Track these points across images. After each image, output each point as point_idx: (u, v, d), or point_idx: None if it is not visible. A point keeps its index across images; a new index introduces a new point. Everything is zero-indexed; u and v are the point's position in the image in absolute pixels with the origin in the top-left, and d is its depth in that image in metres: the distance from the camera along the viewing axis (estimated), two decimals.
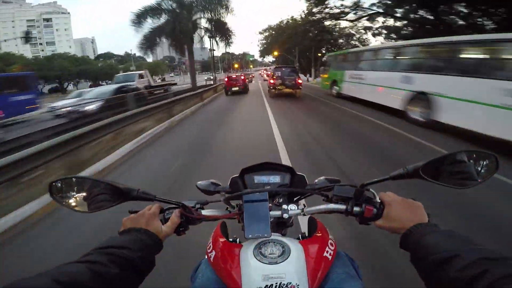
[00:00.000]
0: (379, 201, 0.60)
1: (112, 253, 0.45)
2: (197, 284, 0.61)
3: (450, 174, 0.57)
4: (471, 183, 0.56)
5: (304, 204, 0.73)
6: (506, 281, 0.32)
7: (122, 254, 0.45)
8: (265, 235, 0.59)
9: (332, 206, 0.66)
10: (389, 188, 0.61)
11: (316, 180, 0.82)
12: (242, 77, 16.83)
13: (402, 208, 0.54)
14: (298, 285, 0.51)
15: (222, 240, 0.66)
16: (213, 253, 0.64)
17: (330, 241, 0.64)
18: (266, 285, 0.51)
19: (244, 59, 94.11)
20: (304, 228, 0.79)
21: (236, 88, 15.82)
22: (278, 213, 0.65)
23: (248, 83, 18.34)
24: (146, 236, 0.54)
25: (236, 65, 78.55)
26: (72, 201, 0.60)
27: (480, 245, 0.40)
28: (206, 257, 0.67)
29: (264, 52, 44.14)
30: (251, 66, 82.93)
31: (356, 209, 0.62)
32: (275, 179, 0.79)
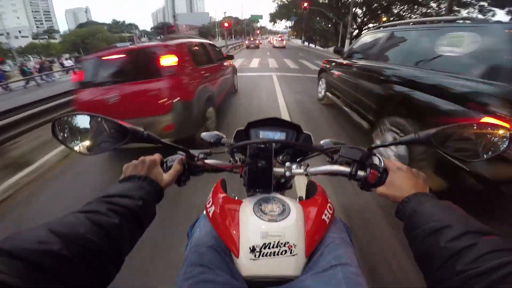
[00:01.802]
0: (384, 167, 0.58)
1: (112, 202, 0.44)
2: (194, 239, 0.60)
3: (459, 144, 0.54)
4: (478, 157, 0.53)
5: (307, 164, 0.69)
6: (492, 256, 0.32)
7: (123, 203, 0.44)
8: (267, 191, 0.63)
9: (336, 167, 0.63)
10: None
11: (322, 142, 0.77)
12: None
13: (405, 177, 0.53)
14: (296, 245, 0.52)
15: (222, 195, 0.66)
16: (212, 208, 0.63)
17: (328, 204, 0.65)
18: (264, 243, 0.51)
19: (251, 26, 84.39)
20: (301, 192, 0.84)
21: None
22: (281, 170, 0.65)
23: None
24: (147, 184, 0.52)
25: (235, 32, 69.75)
26: (74, 141, 0.53)
27: (473, 219, 0.41)
28: (204, 212, 0.67)
29: (276, 16, 36.11)
30: (258, 32, 73.55)
31: (360, 173, 0.60)
32: (281, 135, 0.79)
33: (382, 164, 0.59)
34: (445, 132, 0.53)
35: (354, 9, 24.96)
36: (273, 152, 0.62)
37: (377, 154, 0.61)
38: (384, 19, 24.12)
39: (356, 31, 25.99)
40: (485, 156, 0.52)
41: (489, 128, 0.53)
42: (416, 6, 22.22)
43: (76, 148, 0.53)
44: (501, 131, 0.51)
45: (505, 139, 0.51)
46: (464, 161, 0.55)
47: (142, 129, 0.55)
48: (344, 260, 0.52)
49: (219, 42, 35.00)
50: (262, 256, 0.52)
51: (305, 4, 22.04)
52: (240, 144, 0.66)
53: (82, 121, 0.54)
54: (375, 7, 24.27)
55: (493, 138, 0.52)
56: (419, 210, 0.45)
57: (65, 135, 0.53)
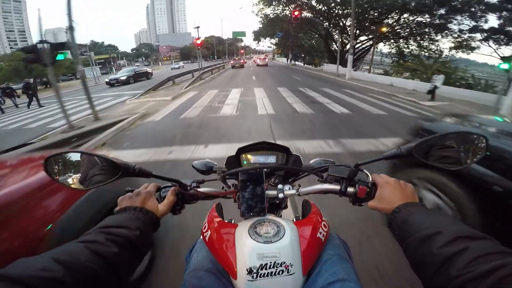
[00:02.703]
0: (372, 181, 0.61)
1: (110, 232, 0.45)
2: (192, 263, 0.61)
3: (440, 155, 0.57)
4: (459, 165, 0.56)
5: (299, 185, 0.71)
6: (483, 259, 0.33)
7: (120, 233, 0.45)
8: (261, 214, 0.62)
9: (326, 186, 0.65)
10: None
11: (312, 161, 0.80)
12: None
13: (394, 189, 0.55)
14: (292, 264, 0.53)
15: (217, 220, 0.67)
16: (208, 232, 0.64)
17: (323, 222, 0.66)
18: (261, 264, 0.52)
19: (234, 46, 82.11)
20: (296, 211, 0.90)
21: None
22: (273, 192, 0.66)
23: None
24: (143, 214, 0.53)
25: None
26: (67, 177, 0.57)
27: (463, 224, 0.42)
28: (201, 237, 0.68)
29: (260, 34, 32.85)
30: (242, 52, 71.46)
31: (349, 189, 0.62)
32: (271, 159, 0.80)
33: (370, 179, 0.61)
34: (425, 144, 0.56)
35: (344, 20, 22.10)
36: (265, 176, 0.65)
37: (364, 170, 0.63)
38: (384, 29, 20.49)
39: (349, 44, 22.45)
40: (468, 162, 0.55)
41: (464, 136, 0.57)
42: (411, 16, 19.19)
43: (69, 183, 0.56)
44: (476, 137, 0.55)
45: (482, 143, 0.54)
46: (448, 169, 0.54)
47: (133, 164, 0.57)
48: (342, 276, 0.53)
49: (203, 63, 30.68)
50: (260, 276, 0.52)
51: (296, 13, 17.86)
52: (231, 172, 0.68)
53: (74, 157, 0.57)
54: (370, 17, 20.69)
55: (471, 143, 0.55)
56: (410, 219, 0.46)
57: (58, 171, 0.55)
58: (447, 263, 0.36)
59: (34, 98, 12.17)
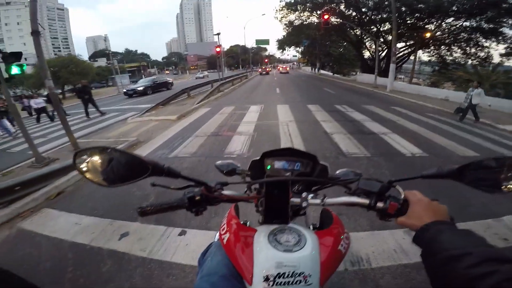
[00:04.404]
0: (404, 198, 0.57)
1: None
2: (205, 267, 0.62)
3: (481, 179, 0.54)
4: (499, 191, 0.54)
5: (324, 195, 0.67)
6: (510, 284, 0.33)
7: None
8: (284, 222, 0.62)
9: (354, 199, 0.62)
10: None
11: (338, 171, 0.77)
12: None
13: (427, 208, 0.53)
14: (310, 275, 0.51)
15: (236, 222, 0.67)
16: (227, 235, 0.63)
17: (345, 235, 0.65)
18: (279, 273, 0.50)
19: (259, 55, 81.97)
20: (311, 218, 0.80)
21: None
22: (297, 200, 0.64)
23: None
24: None
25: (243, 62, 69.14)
26: (95, 173, 0.56)
27: (494, 247, 0.40)
28: (216, 238, 0.71)
29: (285, 43, 31.42)
30: (267, 61, 70.85)
31: (379, 204, 0.59)
32: (297, 166, 0.77)
33: (402, 196, 0.58)
34: (468, 167, 0.54)
35: (379, 26, 20.00)
36: (290, 186, 0.62)
37: (397, 186, 0.60)
38: (427, 34, 17.69)
39: (385, 51, 20.79)
40: (505, 188, 0.53)
41: (507, 162, 0.53)
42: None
43: (96, 180, 0.56)
44: None
45: None
46: (491, 193, 0.52)
47: (163, 164, 0.57)
48: None
49: (225, 72, 32.01)
50: (276, 285, 0.50)
51: (326, 16, 15.77)
52: (258, 182, 0.69)
53: (102, 154, 0.56)
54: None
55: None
56: (439, 237, 0.45)
57: (86, 167, 0.56)
58: (471, 284, 0.35)
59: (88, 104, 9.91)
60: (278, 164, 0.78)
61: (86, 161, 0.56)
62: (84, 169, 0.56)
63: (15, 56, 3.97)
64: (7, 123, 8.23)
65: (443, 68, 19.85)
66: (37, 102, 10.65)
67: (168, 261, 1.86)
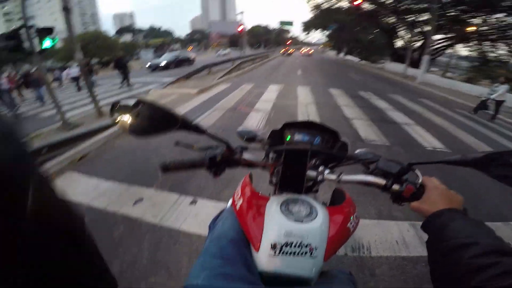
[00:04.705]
0: (421, 183, 0.56)
1: None
2: (216, 231, 0.62)
3: (506, 170, 0.50)
4: None
5: (340, 172, 0.66)
6: (510, 276, 0.32)
7: None
8: (298, 192, 0.63)
9: (371, 178, 0.61)
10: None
11: (357, 151, 0.74)
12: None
13: (442, 195, 0.52)
14: (317, 248, 0.52)
15: (250, 189, 0.67)
16: (241, 200, 0.64)
17: (355, 214, 0.65)
18: (286, 242, 0.51)
19: (281, 36, 79.04)
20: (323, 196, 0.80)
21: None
22: (313, 173, 0.64)
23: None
24: None
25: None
26: (128, 123, 0.57)
27: (503, 240, 0.40)
28: (229, 204, 0.73)
29: (311, 25, 30.06)
30: (289, 42, 68.45)
31: (395, 186, 0.58)
32: (317, 140, 0.76)
33: (420, 180, 0.56)
34: (495, 157, 0.51)
35: (414, 16, 18.19)
36: (308, 157, 0.62)
37: (415, 170, 0.59)
38: (470, 28, 16.07)
39: (419, 42, 19.12)
40: None
41: None
42: None
43: (130, 130, 0.57)
44: None
45: None
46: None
47: (191, 119, 0.58)
48: None
49: (247, 51, 31.98)
50: (282, 254, 0.51)
51: (357, 2, 14.73)
52: (278, 148, 0.68)
53: (137, 106, 0.57)
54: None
55: None
56: (449, 224, 0.44)
57: (120, 118, 0.58)
58: (472, 274, 0.35)
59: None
60: (298, 136, 0.77)
61: (122, 113, 0.58)
62: (119, 119, 0.58)
63: (48, 31, 4.22)
64: (42, 91, 8.75)
65: (483, 65, 18.06)
66: (73, 72, 11.41)
67: (177, 229, 1.91)
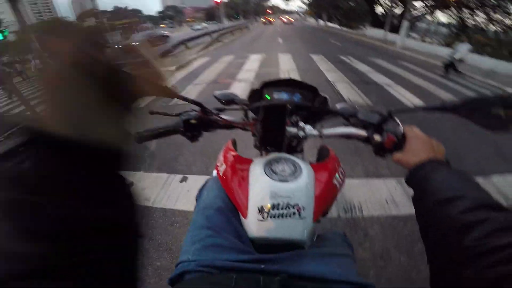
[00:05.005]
0: (402, 132, 0.55)
1: None
2: (201, 202, 0.61)
3: (488, 115, 0.49)
4: (508, 130, 0.48)
5: (321, 126, 0.66)
6: (502, 233, 0.31)
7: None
8: (279, 149, 0.61)
9: (352, 130, 0.61)
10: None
11: (338, 105, 0.72)
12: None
13: (424, 145, 0.51)
14: (304, 208, 0.50)
15: (233, 153, 0.65)
16: (223, 166, 0.62)
17: (340, 169, 0.64)
18: (273, 203, 0.50)
19: (261, 5, 75.31)
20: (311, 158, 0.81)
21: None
22: (294, 130, 0.62)
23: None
24: None
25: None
26: None
27: (487, 192, 0.38)
28: (214, 173, 0.67)
29: None
30: (269, 12, 65.84)
31: (377, 137, 0.58)
32: (296, 97, 0.75)
33: (401, 130, 0.55)
34: (474, 102, 0.50)
35: None
36: (288, 113, 0.61)
37: (396, 119, 0.57)
38: None
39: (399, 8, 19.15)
40: None
41: None
42: None
43: None
44: None
45: None
46: (496, 133, 0.48)
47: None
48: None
49: (225, 24, 30.01)
50: (270, 217, 0.50)
51: None
52: (255, 105, 0.65)
53: None
54: None
55: None
56: (433, 177, 0.42)
57: None
58: (462, 231, 0.33)
59: None
60: (278, 94, 0.75)
61: None
62: None
63: None
64: None
65: (461, 31, 18.35)
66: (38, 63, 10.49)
67: (171, 209, 1.89)
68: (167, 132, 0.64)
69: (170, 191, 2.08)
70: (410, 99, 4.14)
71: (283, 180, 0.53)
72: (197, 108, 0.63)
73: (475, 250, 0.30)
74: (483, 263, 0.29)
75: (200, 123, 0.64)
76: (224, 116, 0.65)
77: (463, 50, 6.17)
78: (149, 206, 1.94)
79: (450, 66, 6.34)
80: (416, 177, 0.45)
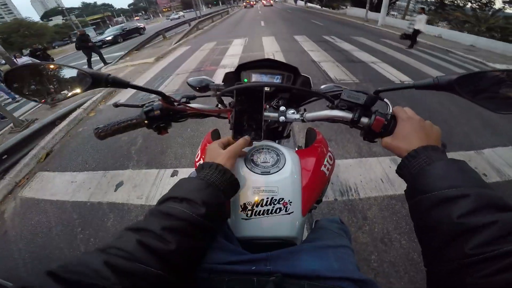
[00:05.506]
0: (392, 114, 0.48)
1: (170, 213, 0.35)
2: None
3: (487, 94, 0.45)
4: (508, 109, 0.43)
5: (304, 109, 0.60)
6: (510, 238, 0.27)
7: (181, 215, 0.35)
8: (256, 137, 0.51)
9: (336, 112, 0.54)
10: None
11: (322, 86, 0.70)
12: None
13: (417, 128, 0.44)
14: (291, 202, 0.46)
15: None
16: (201, 161, 0.51)
17: (329, 154, 0.59)
18: (256, 200, 0.46)
19: None
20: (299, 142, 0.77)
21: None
22: (274, 115, 0.57)
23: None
24: (218, 175, 0.42)
25: None
26: (32, 91, 0.49)
27: (490, 187, 0.33)
28: (194, 170, 0.57)
29: None
30: None
31: (363, 119, 0.51)
32: (276, 79, 0.70)
33: (390, 111, 0.49)
34: (470, 79, 0.45)
35: None
36: (265, 96, 0.53)
37: (385, 99, 0.52)
38: None
39: None
40: None
41: None
42: None
43: (36, 97, 0.49)
44: None
45: None
46: (497, 112, 0.42)
47: (106, 73, 0.49)
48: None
49: (203, 11, 30.18)
50: (255, 215, 0.46)
51: None
52: (228, 89, 0.55)
53: (38, 70, 0.49)
54: None
55: None
56: (429, 169, 0.36)
57: (22, 86, 0.49)
58: (465, 236, 0.28)
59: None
60: (256, 76, 0.70)
61: (21, 79, 0.48)
62: (20, 88, 0.48)
63: None
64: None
65: (439, 8, 18.54)
66: (23, 62, 9.71)
67: None
68: (130, 126, 0.58)
69: (162, 187, 2.03)
70: (396, 75, 4.15)
71: (265, 172, 0.49)
72: (158, 96, 0.58)
73: (480, 256, 0.26)
74: (489, 270, 0.25)
75: (165, 113, 0.57)
76: (193, 105, 0.58)
77: (419, 21, 6.26)
78: (143, 204, 1.88)
79: (408, 36, 6.46)
80: (409, 168, 0.39)
